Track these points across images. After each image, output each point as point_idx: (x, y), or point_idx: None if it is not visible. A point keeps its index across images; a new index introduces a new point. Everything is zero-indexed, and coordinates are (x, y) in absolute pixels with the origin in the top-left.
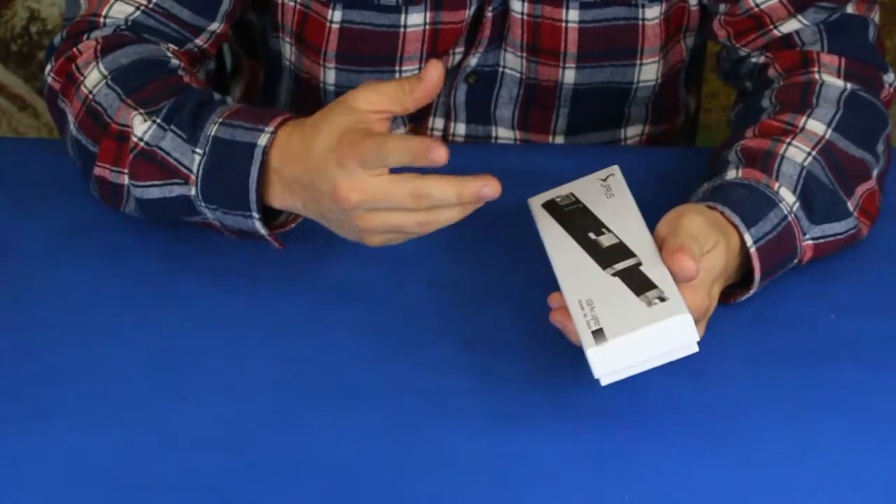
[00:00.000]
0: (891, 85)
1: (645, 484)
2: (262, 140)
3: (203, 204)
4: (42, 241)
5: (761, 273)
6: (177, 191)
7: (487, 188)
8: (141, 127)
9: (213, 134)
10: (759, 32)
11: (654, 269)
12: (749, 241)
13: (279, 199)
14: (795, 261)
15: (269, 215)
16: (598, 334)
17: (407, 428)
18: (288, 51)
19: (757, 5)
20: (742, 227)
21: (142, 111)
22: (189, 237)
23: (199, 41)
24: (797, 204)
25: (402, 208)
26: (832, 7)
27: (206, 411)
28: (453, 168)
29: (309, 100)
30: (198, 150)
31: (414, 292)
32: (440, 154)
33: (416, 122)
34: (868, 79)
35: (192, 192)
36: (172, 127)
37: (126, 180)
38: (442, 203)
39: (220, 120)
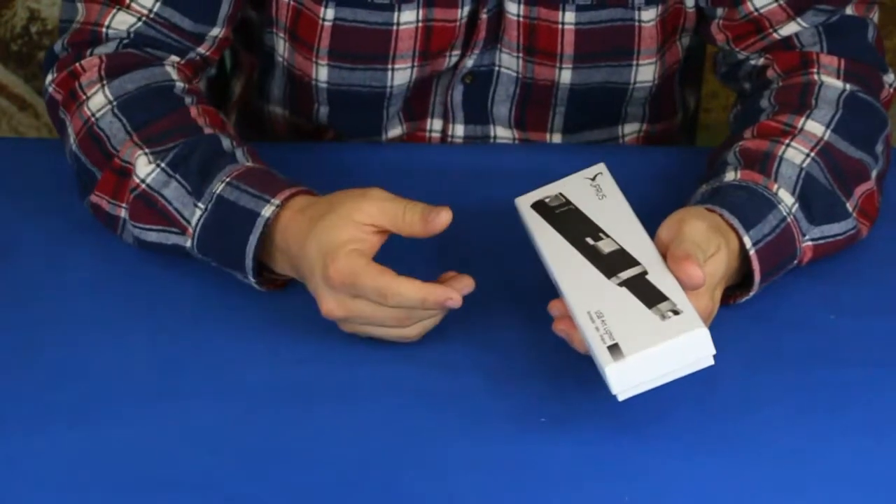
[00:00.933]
0: (890, 85)
1: (645, 484)
2: (267, 212)
3: (199, 255)
4: (42, 241)
5: (761, 275)
6: (173, 239)
7: (451, 301)
8: (145, 169)
9: (217, 192)
10: (759, 36)
11: (660, 277)
12: (748, 243)
13: (279, 268)
14: (795, 262)
15: (263, 269)
16: (615, 350)
17: (407, 428)
18: (281, 47)
19: (756, 9)
20: (741, 230)
21: (147, 151)
22: None
23: (201, 49)
24: (796, 205)
25: (384, 325)
26: (831, 9)
27: (206, 411)
28: (453, 169)
29: (301, 96)
30: (200, 204)
31: None
32: (457, 297)
33: (414, 123)
34: (867, 79)
35: (188, 244)
36: (177, 176)
37: (123, 213)
38: (422, 317)
39: (228, 179)
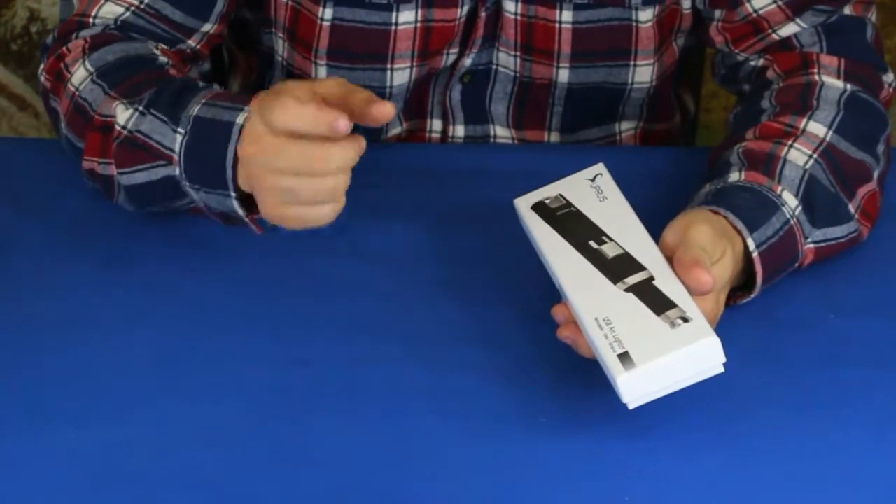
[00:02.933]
0: (890, 85)
1: (645, 484)
2: (240, 119)
3: (187, 183)
4: (42, 241)
5: (763, 277)
6: (161, 172)
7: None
8: (123, 115)
9: (194, 114)
10: (758, 37)
11: (666, 282)
12: (752, 245)
13: (247, 166)
14: (797, 264)
15: (253, 202)
16: (625, 359)
17: (407, 428)
18: (280, 47)
19: (755, 10)
20: (745, 232)
21: (124, 101)
22: (189, 238)
23: (191, 42)
24: (799, 208)
25: (293, 171)
26: (830, 9)
27: (206, 411)
28: (452, 170)
29: None
30: (179, 129)
31: (414, 292)
32: (341, 125)
33: (414, 122)
34: (867, 79)
35: (176, 171)
36: (152, 111)
37: (115, 171)
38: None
39: (204, 101)
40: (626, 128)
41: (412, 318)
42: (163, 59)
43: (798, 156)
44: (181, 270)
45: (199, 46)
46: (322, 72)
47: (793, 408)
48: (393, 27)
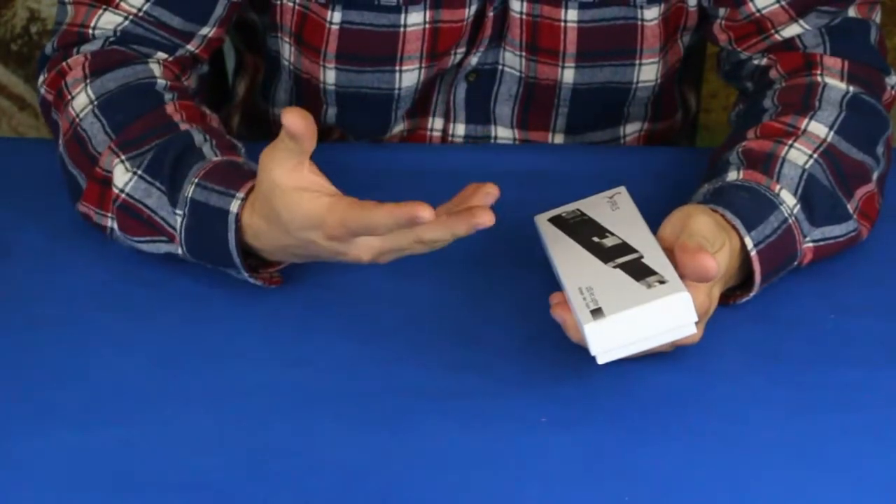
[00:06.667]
0: (892, 87)
1: (645, 484)
2: (234, 207)
3: (191, 259)
4: (42, 241)
5: (762, 276)
6: (164, 248)
7: (481, 217)
8: (123, 178)
9: (189, 196)
10: (761, 37)
11: (655, 260)
12: (749, 244)
13: (268, 255)
14: (795, 263)
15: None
16: (597, 313)
17: (407, 428)
18: (287, 51)
19: (758, 10)
20: (743, 230)
21: (123, 158)
22: None
23: (190, 46)
24: (798, 206)
25: (408, 250)
26: (833, 11)
27: (206, 411)
28: (452, 170)
29: (309, 99)
30: (178, 211)
31: (414, 292)
32: (426, 213)
33: (415, 121)
34: (870, 82)
35: (179, 251)
36: (157, 183)
37: (110, 223)
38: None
39: (196, 181)
40: (630, 131)
41: (412, 319)
42: (161, 81)
43: (798, 155)
44: (181, 270)
45: (198, 51)
46: (331, 75)
47: (793, 408)
48: (402, 29)
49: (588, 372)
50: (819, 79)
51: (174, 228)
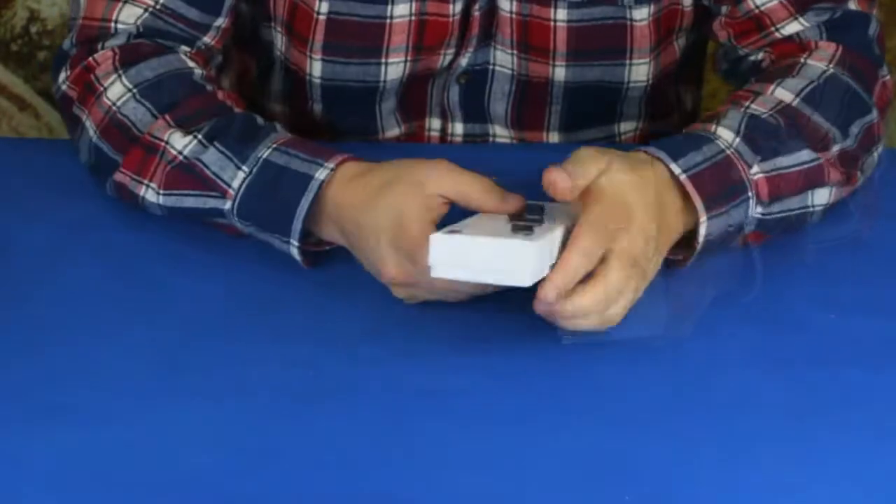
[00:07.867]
0: (885, 78)
1: (645, 484)
2: (321, 174)
3: (237, 219)
4: (42, 241)
5: (703, 201)
6: (211, 203)
7: None
8: (181, 142)
9: (264, 157)
10: (761, 34)
11: (549, 227)
12: (677, 170)
13: (327, 233)
14: (749, 194)
15: (306, 235)
16: (451, 231)
17: (407, 428)
18: (279, 42)
19: (757, 6)
20: (667, 159)
21: (180, 130)
22: (189, 237)
23: (206, 38)
24: (738, 140)
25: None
26: (832, 7)
27: (206, 411)
28: None
29: (298, 93)
30: (244, 167)
31: None
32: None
33: (414, 123)
34: (861, 70)
35: (227, 206)
36: (216, 143)
37: (143, 191)
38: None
39: (275, 145)
40: (626, 129)
41: (412, 318)
42: (198, 70)
43: (749, 109)
44: (181, 270)
45: (213, 42)
46: (317, 67)
47: (793, 408)
48: (388, 20)
49: (588, 372)
50: (803, 59)
51: (228, 185)
